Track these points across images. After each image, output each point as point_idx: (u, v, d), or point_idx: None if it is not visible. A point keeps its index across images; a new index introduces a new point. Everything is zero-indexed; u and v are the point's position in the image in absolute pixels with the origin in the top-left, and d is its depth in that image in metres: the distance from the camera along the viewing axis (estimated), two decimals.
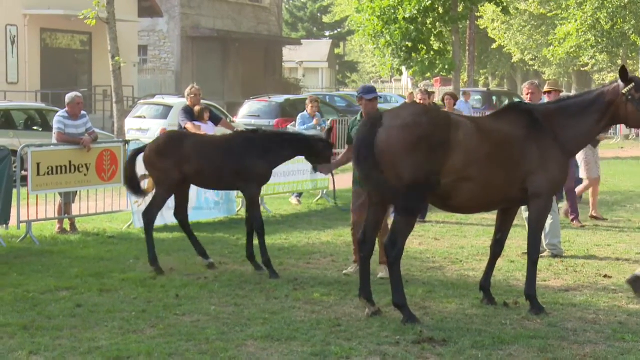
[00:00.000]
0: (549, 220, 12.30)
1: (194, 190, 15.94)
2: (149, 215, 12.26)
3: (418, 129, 9.12)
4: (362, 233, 9.89)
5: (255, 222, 11.94)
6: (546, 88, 16.05)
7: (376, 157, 9.09)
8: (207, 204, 16.30)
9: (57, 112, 16.14)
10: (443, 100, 19.99)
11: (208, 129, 16.61)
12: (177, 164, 11.92)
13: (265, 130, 12.50)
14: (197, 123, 16.53)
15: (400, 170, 9.04)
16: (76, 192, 15.32)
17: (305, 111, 19.21)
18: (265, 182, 12.34)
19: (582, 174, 16.44)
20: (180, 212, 12.59)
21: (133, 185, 12.49)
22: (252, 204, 12.08)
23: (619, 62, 49.96)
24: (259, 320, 9.39)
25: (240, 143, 12.06)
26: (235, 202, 16.99)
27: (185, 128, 16.61)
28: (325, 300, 10.34)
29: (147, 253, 12.08)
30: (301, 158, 15.11)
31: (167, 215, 15.55)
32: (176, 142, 12.16)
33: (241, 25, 54.04)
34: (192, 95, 16.96)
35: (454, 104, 20.03)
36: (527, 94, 13.70)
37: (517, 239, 14.55)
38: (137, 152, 12.54)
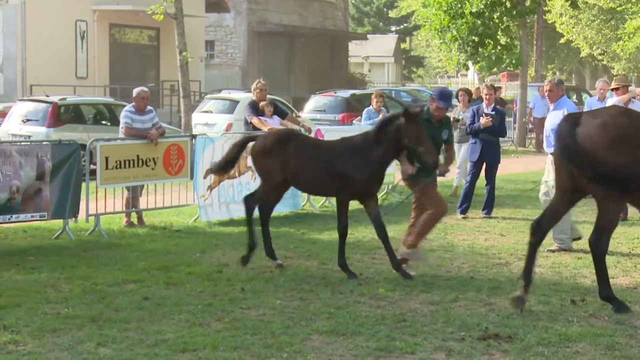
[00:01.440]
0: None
1: (259, 184, 16.03)
2: (264, 210, 12.16)
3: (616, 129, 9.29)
4: (538, 219, 9.98)
5: (340, 223, 11.65)
6: (614, 85, 15.87)
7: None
8: None
9: (125, 106, 16.28)
10: (457, 96, 19.06)
11: (274, 123, 16.69)
12: (281, 165, 11.62)
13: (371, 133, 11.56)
14: (262, 118, 16.63)
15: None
16: (143, 185, 15.47)
17: (370, 106, 19.18)
18: (363, 189, 11.55)
19: None
20: (269, 207, 12.36)
21: (225, 167, 12.51)
22: (342, 208, 11.69)
23: None
24: (324, 315, 9.42)
25: (345, 149, 11.52)
26: (301, 197, 17.03)
27: (251, 123, 16.73)
28: (390, 296, 10.34)
29: (262, 247, 12.06)
30: None
31: (232, 209, 15.68)
32: (283, 142, 11.77)
33: (307, 20, 54.15)
34: (258, 90, 17.07)
35: (469, 100, 19.55)
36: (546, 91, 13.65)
37: (584, 236, 14.42)
38: (248, 140, 12.43)
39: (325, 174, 11.49)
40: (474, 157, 16.58)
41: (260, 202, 12.20)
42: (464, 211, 16.43)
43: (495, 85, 21.55)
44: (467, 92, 20.01)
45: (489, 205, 16.54)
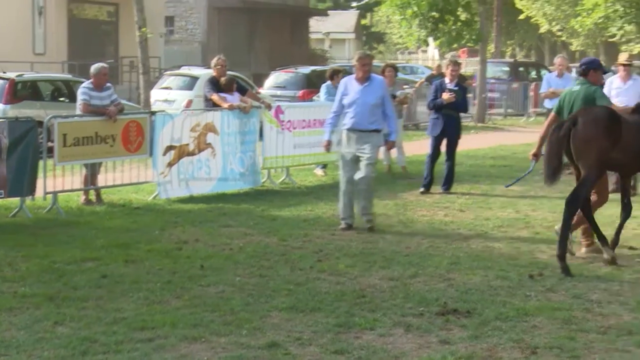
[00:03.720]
0: None
1: (219, 160, 16.01)
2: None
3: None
4: None
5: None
6: (625, 60, 15.92)
7: None
8: (232, 175, 16.32)
9: (83, 83, 16.14)
10: (383, 72, 18.19)
11: (234, 99, 16.64)
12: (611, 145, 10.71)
13: None
14: (222, 94, 16.56)
15: None
16: (101, 163, 15.36)
17: (328, 81, 19.12)
18: None
19: None
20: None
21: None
22: None
23: None
24: (283, 292, 9.42)
25: None
26: (260, 174, 17.00)
27: (211, 99, 16.66)
28: (350, 272, 10.36)
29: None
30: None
31: (192, 186, 15.63)
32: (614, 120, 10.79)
33: None
34: (218, 67, 16.99)
35: (395, 75, 19.35)
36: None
37: (542, 211, 14.53)
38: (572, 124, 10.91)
39: None
40: (435, 132, 16.61)
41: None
42: (426, 186, 16.47)
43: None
44: (394, 67, 19.80)
45: (448, 181, 16.59)
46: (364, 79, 13.02)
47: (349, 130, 12.99)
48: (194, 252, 11.30)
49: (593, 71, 11.64)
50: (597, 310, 8.86)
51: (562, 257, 10.47)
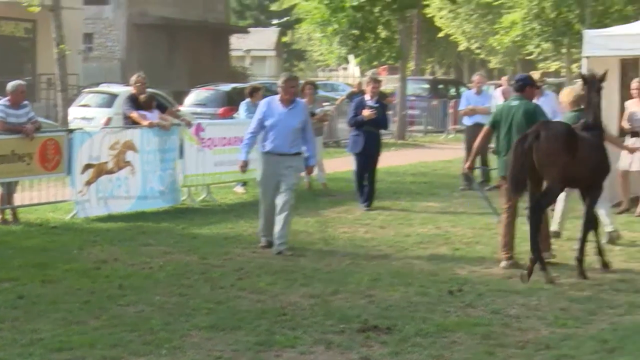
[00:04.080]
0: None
1: (138, 178, 15.87)
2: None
3: None
4: None
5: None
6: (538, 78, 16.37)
7: None
8: (152, 193, 16.18)
9: None
10: (302, 90, 18.28)
11: (153, 117, 16.52)
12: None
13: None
14: (142, 112, 16.44)
15: None
16: (18, 181, 15.13)
17: (248, 99, 19.09)
18: None
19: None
20: None
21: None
22: None
23: (564, 50, 50.32)
24: (203, 310, 9.36)
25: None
26: (180, 191, 16.89)
27: (130, 117, 16.52)
28: (271, 290, 10.33)
29: None
30: None
31: (111, 205, 15.47)
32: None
33: (188, 13, 53.71)
34: (138, 84, 16.86)
35: (315, 93, 19.51)
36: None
37: (462, 227, 14.65)
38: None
39: None
40: (356, 149, 16.69)
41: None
42: (367, 201, 16.66)
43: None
44: (314, 85, 19.89)
45: (369, 198, 16.66)
46: (289, 101, 12.75)
47: (269, 153, 12.74)
48: (112, 272, 11.17)
49: (529, 87, 12.07)
50: (516, 325, 8.94)
51: (536, 259, 10.89)
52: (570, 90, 13.35)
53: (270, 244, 12.75)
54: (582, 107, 11.93)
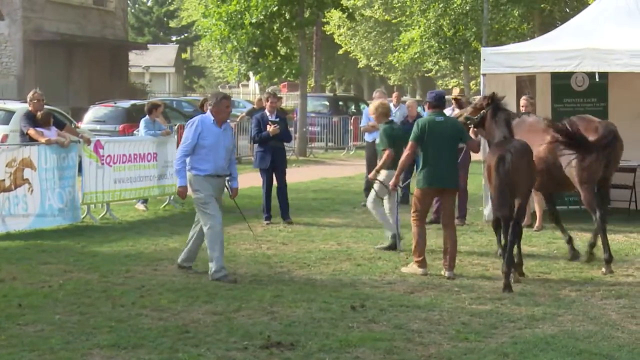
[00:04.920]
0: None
1: (36, 196, 15.62)
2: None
3: None
4: None
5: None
6: (457, 95, 16.94)
7: None
8: (51, 210, 15.94)
9: None
10: (202, 106, 18.14)
11: (51, 134, 16.29)
12: None
13: None
14: (39, 129, 16.20)
15: None
16: None
17: (147, 116, 18.96)
18: None
19: None
20: None
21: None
22: None
23: (461, 67, 51.12)
24: (105, 329, 9.25)
25: None
26: (80, 209, 16.68)
27: (27, 134, 16.27)
28: (173, 307, 10.26)
29: None
30: (148, 164, 14.98)
31: (9, 223, 15.20)
32: None
33: (86, 29, 53.12)
34: (35, 101, 16.61)
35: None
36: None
37: (364, 243, 14.74)
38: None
39: None
40: (265, 165, 16.83)
41: None
42: (268, 218, 16.86)
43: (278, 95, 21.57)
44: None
45: (287, 210, 16.86)
46: (223, 122, 12.17)
47: (210, 176, 12.01)
48: (11, 291, 10.97)
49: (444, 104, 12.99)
50: (418, 340, 9.03)
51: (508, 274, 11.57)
52: (379, 104, 14.64)
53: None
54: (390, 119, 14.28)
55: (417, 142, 12.37)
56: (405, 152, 12.63)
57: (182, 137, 12.39)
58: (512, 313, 10.18)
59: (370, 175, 14.75)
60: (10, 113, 26.85)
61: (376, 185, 14.35)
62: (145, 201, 18.58)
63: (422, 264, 12.34)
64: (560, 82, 17.78)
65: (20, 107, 25.16)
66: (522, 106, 16.30)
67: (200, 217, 12.15)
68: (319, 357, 8.37)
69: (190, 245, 12.47)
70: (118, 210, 17.96)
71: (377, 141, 15.09)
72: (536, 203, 16.11)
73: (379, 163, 14.34)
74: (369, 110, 13.92)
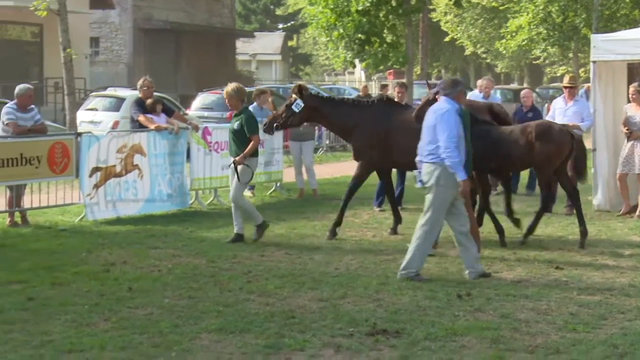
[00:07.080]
0: None
1: (146, 182, 15.90)
2: None
3: None
4: None
5: None
6: (568, 83, 16.65)
7: None
8: (160, 196, 16.21)
9: (6, 104, 15.91)
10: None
11: (161, 121, 16.55)
12: None
13: None
14: (149, 115, 16.47)
15: None
16: (26, 184, 15.16)
17: (254, 103, 19.09)
18: None
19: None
20: None
21: None
22: None
23: (571, 55, 50.33)
24: (212, 313, 9.37)
25: None
26: (188, 195, 16.91)
27: (137, 121, 16.55)
28: (279, 293, 10.34)
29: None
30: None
31: (119, 208, 15.50)
32: None
33: (194, 17, 53.75)
34: (145, 88, 16.89)
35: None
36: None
37: None
38: None
39: None
40: None
41: None
42: (380, 204, 16.82)
43: (383, 83, 21.57)
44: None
45: (400, 199, 16.77)
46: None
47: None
48: (121, 274, 11.19)
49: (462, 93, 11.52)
50: (525, 330, 8.94)
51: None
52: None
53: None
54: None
55: None
56: None
57: (440, 127, 10.96)
58: (622, 304, 10.00)
59: None
60: (120, 100, 27.41)
61: None
62: (252, 187, 18.74)
63: None
64: None
65: (130, 94, 25.71)
66: (631, 94, 15.98)
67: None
68: (424, 346, 8.35)
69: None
70: (226, 196, 18.12)
71: None
72: None
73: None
74: None
